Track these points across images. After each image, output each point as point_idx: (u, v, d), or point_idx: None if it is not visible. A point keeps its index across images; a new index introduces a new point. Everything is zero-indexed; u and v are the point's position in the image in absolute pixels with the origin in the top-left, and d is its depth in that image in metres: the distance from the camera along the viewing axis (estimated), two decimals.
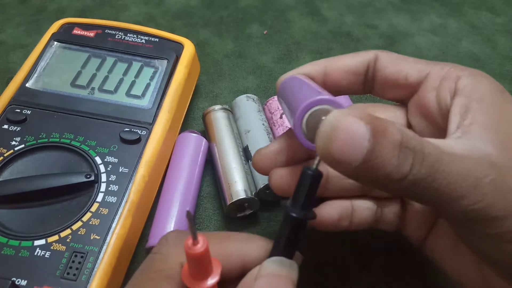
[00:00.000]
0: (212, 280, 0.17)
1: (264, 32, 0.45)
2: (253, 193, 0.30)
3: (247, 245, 0.20)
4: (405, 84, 0.23)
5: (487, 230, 0.17)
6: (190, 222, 0.16)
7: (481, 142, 0.18)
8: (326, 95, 0.18)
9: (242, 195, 0.29)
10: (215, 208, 0.32)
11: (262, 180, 0.30)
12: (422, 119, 0.23)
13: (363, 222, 0.24)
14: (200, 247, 0.16)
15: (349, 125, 0.15)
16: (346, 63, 0.23)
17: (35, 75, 0.33)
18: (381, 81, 0.23)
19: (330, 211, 0.23)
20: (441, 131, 0.21)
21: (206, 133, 0.34)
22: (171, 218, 0.28)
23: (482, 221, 0.17)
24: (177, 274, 0.19)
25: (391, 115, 0.24)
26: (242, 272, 0.19)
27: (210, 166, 0.33)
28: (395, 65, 0.23)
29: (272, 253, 0.19)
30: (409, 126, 0.24)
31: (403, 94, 0.23)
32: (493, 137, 0.18)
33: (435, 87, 0.21)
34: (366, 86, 0.24)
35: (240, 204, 0.30)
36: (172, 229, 0.28)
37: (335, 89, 0.24)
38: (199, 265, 0.17)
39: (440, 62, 0.22)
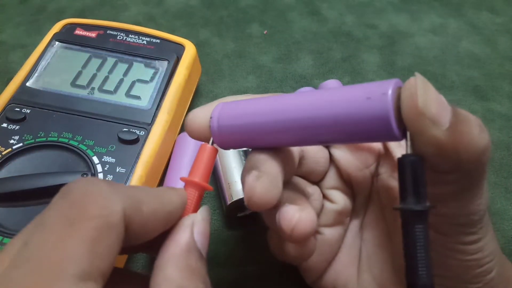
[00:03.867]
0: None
1: (264, 32, 0.45)
2: None
3: (167, 195, 0.18)
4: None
5: None
6: None
7: None
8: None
9: (242, 194, 0.29)
10: (215, 207, 0.32)
11: None
12: None
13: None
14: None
15: None
16: None
17: (36, 74, 0.33)
18: None
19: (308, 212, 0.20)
20: None
21: None
22: None
23: None
24: (120, 221, 0.14)
25: None
26: (166, 222, 0.17)
27: None
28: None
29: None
30: None
31: None
32: None
33: None
34: None
35: (240, 203, 0.30)
36: None
37: None
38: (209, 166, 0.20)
39: None
